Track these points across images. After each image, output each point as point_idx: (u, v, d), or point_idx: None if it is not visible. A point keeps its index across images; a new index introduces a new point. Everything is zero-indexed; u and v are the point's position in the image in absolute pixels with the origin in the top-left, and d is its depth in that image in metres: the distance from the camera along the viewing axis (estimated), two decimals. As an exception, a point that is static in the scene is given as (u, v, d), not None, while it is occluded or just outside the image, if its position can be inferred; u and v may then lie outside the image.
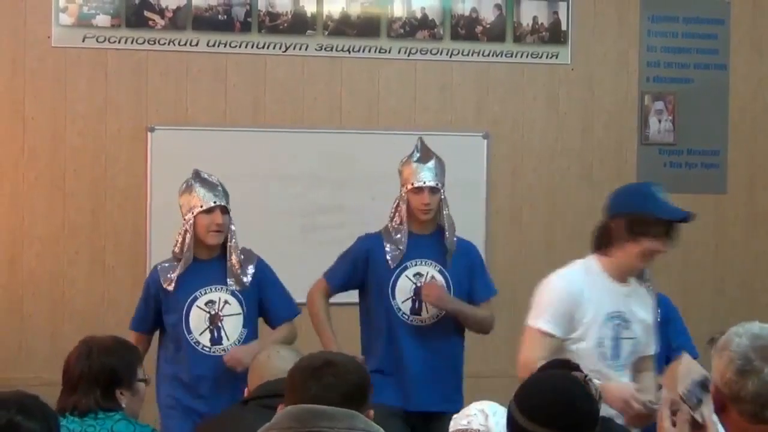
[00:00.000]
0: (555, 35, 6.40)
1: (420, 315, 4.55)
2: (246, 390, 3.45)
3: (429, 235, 4.59)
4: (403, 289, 4.54)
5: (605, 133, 6.49)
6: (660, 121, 6.55)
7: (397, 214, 4.57)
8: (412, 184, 4.52)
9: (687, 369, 2.39)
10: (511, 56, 6.35)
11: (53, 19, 5.87)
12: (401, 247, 4.52)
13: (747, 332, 2.39)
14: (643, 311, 3.86)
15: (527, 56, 6.37)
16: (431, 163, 4.55)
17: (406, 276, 4.54)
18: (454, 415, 3.18)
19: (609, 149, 6.49)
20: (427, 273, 4.55)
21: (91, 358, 3.26)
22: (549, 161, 6.43)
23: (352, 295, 4.75)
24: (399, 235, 4.53)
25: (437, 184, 4.53)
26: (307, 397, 2.48)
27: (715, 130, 6.62)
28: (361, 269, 4.60)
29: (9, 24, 5.85)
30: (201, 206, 4.32)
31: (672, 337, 4.56)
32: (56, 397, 3.24)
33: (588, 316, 3.74)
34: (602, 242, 3.80)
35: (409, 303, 4.54)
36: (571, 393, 2.57)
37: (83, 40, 5.91)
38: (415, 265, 4.56)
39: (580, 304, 3.74)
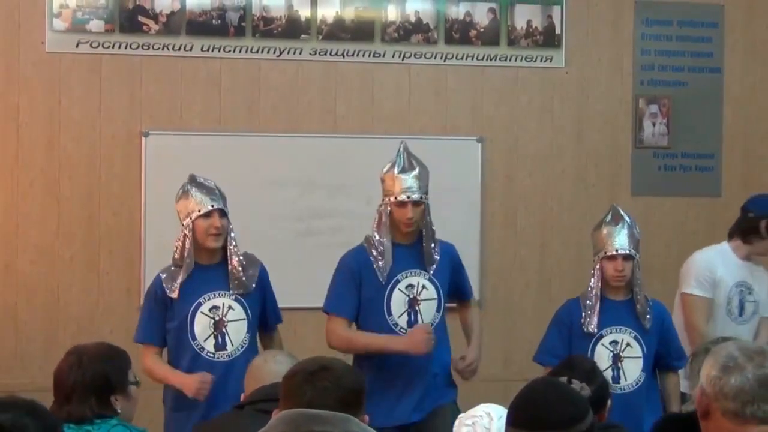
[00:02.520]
0: (549, 39, 6.41)
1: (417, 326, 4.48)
2: (242, 395, 3.45)
3: (413, 244, 4.53)
4: (397, 302, 4.48)
5: (600, 136, 6.50)
6: (654, 125, 6.55)
7: (379, 223, 4.49)
8: (396, 198, 4.43)
9: None
10: (506, 60, 6.36)
11: (47, 24, 5.87)
12: (388, 260, 4.45)
13: (734, 341, 2.54)
14: (762, 282, 5.04)
15: (521, 60, 6.38)
16: (415, 173, 4.46)
17: (399, 289, 4.49)
18: (460, 415, 3.17)
19: (603, 153, 6.50)
20: (418, 283, 4.50)
21: (83, 366, 3.24)
22: (543, 165, 6.43)
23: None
24: (383, 247, 4.46)
25: (421, 197, 4.44)
26: (303, 402, 2.48)
27: (710, 133, 6.62)
28: (360, 285, 4.51)
29: (3, 29, 5.85)
30: (199, 210, 4.30)
31: (669, 344, 4.57)
32: (51, 402, 3.23)
33: (721, 282, 4.95)
34: (747, 232, 4.96)
35: (405, 316, 4.48)
36: (543, 396, 2.64)
37: (77, 46, 5.90)
38: (406, 276, 4.50)
39: (715, 272, 4.95)
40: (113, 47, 5.93)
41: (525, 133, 6.42)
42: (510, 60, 6.36)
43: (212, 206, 4.31)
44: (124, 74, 5.96)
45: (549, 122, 6.44)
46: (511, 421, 2.65)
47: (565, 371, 3.41)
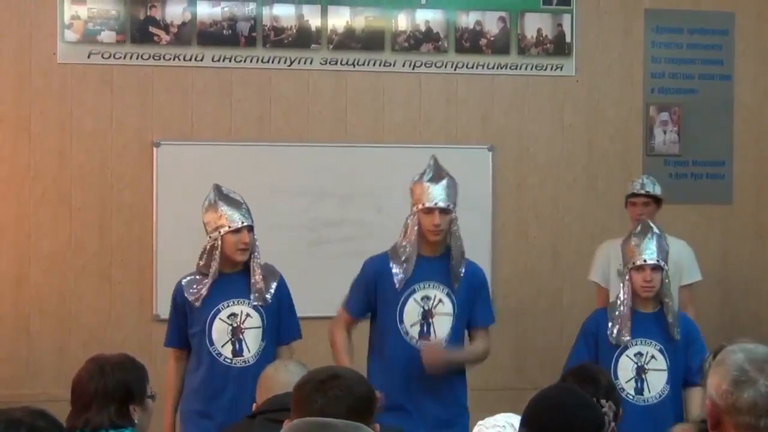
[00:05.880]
0: (559, 47, 6.41)
1: (429, 339, 4.47)
2: (254, 404, 3.45)
3: (438, 257, 4.52)
4: (411, 312, 4.47)
5: (610, 144, 6.49)
6: (665, 132, 6.55)
7: (406, 233, 4.50)
8: (423, 204, 4.45)
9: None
10: (516, 69, 6.36)
11: (59, 35, 5.90)
12: (409, 269, 4.46)
13: (742, 348, 2.47)
14: None
15: (532, 68, 6.38)
16: (444, 183, 4.47)
17: (414, 299, 4.48)
18: (480, 422, 3.15)
19: (614, 161, 6.49)
20: (435, 296, 4.48)
21: (105, 375, 3.27)
22: (554, 173, 6.43)
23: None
24: (406, 256, 4.47)
25: (448, 205, 4.45)
26: (313, 410, 2.48)
27: (721, 140, 6.61)
28: (373, 292, 4.54)
29: (15, 41, 5.88)
30: (229, 227, 4.38)
31: (692, 360, 4.55)
32: (64, 412, 3.24)
33: None
34: None
35: (417, 327, 4.47)
36: (564, 403, 2.66)
37: (89, 57, 5.93)
38: (423, 288, 4.49)
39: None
40: (124, 58, 5.96)
41: (535, 142, 6.42)
42: (520, 68, 6.36)
43: (242, 223, 4.39)
44: (136, 85, 5.98)
45: (559, 130, 6.44)
46: (527, 424, 2.63)
47: (586, 386, 3.37)
